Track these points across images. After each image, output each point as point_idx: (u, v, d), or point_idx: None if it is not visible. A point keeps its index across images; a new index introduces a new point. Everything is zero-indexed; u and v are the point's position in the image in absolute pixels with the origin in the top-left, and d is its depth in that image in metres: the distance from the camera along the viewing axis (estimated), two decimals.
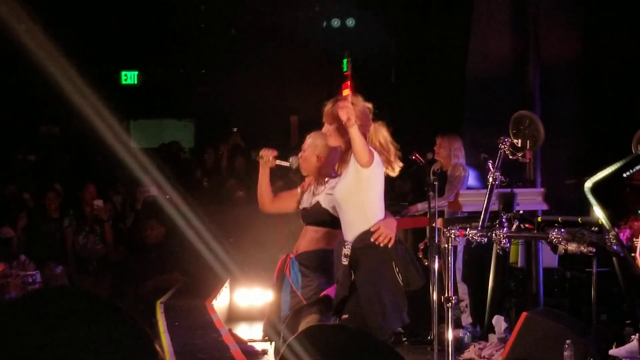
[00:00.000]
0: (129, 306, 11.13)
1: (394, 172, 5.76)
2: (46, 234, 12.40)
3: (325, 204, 5.96)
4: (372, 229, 5.51)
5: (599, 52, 12.13)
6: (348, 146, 5.60)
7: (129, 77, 19.42)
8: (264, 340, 6.17)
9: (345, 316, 5.54)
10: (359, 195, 5.53)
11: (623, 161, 4.10)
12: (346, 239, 5.62)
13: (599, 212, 4.19)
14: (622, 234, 5.92)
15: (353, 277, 5.53)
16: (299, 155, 6.19)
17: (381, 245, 5.49)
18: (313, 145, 6.14)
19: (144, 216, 12.51)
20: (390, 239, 5.49)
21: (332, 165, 6.00)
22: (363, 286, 5.48)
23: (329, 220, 5.92)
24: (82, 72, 13.10)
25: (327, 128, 5.75)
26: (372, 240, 5.49)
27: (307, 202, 6.11)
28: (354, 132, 5.38)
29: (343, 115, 5.38)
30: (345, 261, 5.53)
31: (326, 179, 6.08)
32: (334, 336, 3.10)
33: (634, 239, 5.74)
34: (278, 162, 6.24)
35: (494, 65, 11.90)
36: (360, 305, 5.48)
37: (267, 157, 6.19)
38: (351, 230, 5.60)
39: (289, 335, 5.74)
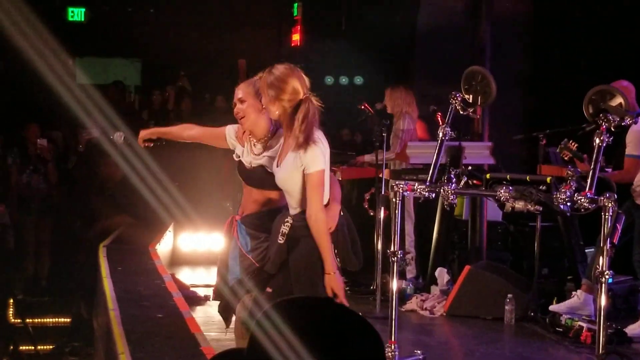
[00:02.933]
0: (73, 249, 11.08)
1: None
2: None
3: (271, 168, 5.59)
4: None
5: (550, 8, 12.15)
6: (286, 121, 5.28)
7: (76, 14, 19.14)
8: (215, 298, 5.98)
9: (269, 290, 5.41)
10: (301, 180, 5.37)
11: None
12: (290, 211, 5.44)
13: None
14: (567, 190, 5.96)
15: (286, 256, 5.38)
16: (235, 110, 5.65)
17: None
18: (251, 94, 5.60)
19: (86, 158, 12.38)
20: (332, 227, 5.36)
21: (270, 120, 5.71)
22: (296, 267, 5.30)
23: (276, 185, 5.67)
24: (29, 7, 12.87)
25: (266, 101, 5.32)
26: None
27: (246, 160, 5.71)
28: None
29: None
30: (281, 240, 5.32)
31: (266, 137, 5.66)
32: (309, 310, 3.03)
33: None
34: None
35: (446, 17, 11.88)
36: (289, 284, 5.30)
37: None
38: (294, 206, 5.35)
39: (249, 301, 5.62)
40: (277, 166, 5.38)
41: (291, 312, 2.96)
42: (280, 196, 5.58)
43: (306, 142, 5.18)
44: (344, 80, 16.22)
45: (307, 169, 5.20)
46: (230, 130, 5.82)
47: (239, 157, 5.73)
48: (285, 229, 5.32)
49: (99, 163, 12.39)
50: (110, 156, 11.27)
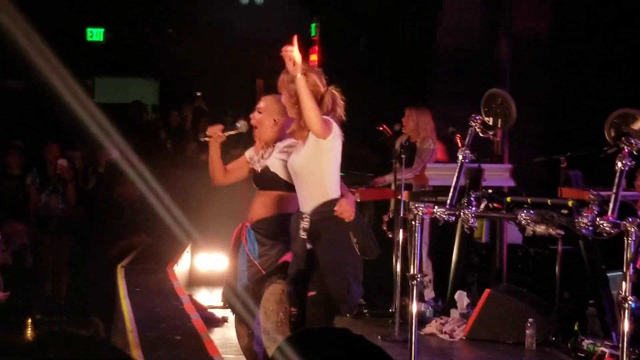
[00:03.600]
0: (92, 268, 11.07)
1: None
2: (7, 191, 12.25)
3: (274, 168, 5.91)
4: (335, 209, 5.44)
5: (571, 27, 12.09)
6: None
7: (95, 34, 19.25)
8: (224, 307, 6.15)
9: (312, 293, 5.46)
10: (319, 166, 5.45)
11: None
12: (302, 210, 5.53)
13: None
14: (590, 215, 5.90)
15: (310, 248, 5.46)
16: (252, 117, 6.05)
17: (344, 218, 5.45)
18: (270, 108, 5.98)
19: (105, 179, 12.39)
20: (351, 214, 5.45)
21: (285, 132, 5.87)
22: (324, 260, 5.42)
23: (281, 184, 5.87)
24: (49, 27, 12.92)
25: (285, 98, 5.60)
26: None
27: (257, 166, 6.03)
28: (300, 84, 5.30)
29: (288, 63, 5.30)
30: (303, 235, 5.46)
31: (272, 144, 5.99)
32: (326, 341, 2.98)
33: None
34: (227, 133, 6.10)
35: (465, 38, 11.83)
36: (325, 281, 5.41)
37: (216, 134, 6.02)
38: (308, 202, 5.51)
39: (252, 304, 5.75)
40: (296, 154, 5.57)
41: (307, 344, 2.92)
42: (285, 199, 5.73)
43: (327, 130, 5.40)
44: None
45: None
46: (248, 150, 6.15)
47: (252, 165, 6.09)
48: (305, 224, 5.47)
49: (118, 183, 12.42)
50: (128, 176, 11.30)
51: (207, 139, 6.05)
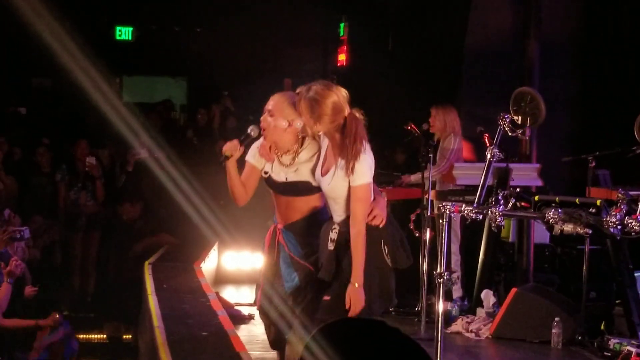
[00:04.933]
0: (117, 266, 11.14)
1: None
2: (36, 187, 12.33)
3: (306, 177, 5.58)
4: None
5: (599, 28, 12.05)
6: (333, 138, 5.32)
7: (124, 33, 19.30)
8: (250, 305, 5.98)
9: (327, 297, 5.34)
10: (347, 190, 5.30)
11: None
12: (334, 220, 5.44)
13: None
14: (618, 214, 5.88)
15: (336, 259, 5.36)
16: (262, 120, 5.62)
17: (375, 225, 5.35)
18: (281, 109, 5.55)
19: (134, 178, 12.45)
20: (383, 219, 5.35)
21: (296, 134, 5.56)
22: (348, 274, 5.31)
23: (314, 189, 5.64)
24: (77, 26, 12.98)
25: (307, 119, 5.33)
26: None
27: (278, 174, 5.64)
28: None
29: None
30: (331, 246, 5.33)
31: (293, 149, 5.61)
32: (360, 332, 3.00)
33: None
34: (244, 144, 5.61)
35: (494, 38, 11.82)
36: (345, 290, 5.25)
37: (236, 150, 5.53)
38: (339, 214, 5.38)
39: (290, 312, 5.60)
40: (322, 175, 5.40)
41: (341, 335, 2.93)
42: (318, 197, 5.58)
43: (355, 156, 5.21)
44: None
45: (353, 182, 5.24)
46: (249, 156, 5.73)
47: (268, 172, 5.67)
48: (333, 235, 5.34)
49: (145, 182, 12.47)
50: (129, 195, 11.34)
51: (226, 158, 5.54)
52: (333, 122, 5.27)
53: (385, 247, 5.33)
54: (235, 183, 5.62)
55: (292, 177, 5.60)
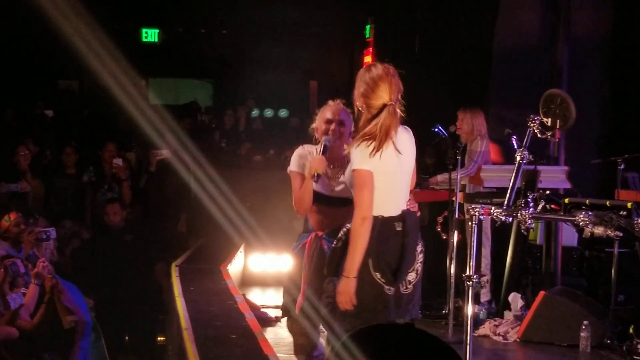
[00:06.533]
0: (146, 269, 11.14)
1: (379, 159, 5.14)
2: (62, 189, 12.34)
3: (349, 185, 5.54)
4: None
5: (629, 30, 11.99)
6: (362, 121, 5.24)
7: (150, 35, 19.36)
8: (277, 307, 6.00)
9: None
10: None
11: None
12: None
13: None
14: None
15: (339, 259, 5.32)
16: (334, 130, 5.77)
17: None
18: (349, 123, 5.77)
19: (157, 178, 12.46)
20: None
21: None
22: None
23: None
24: (104, 28, 13.03)
25: (356, 93, 5.27)
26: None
27: (328, 188, 5.80)
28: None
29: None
30: (337, 243, 5.28)
31: (341, 162, 5.77)
32: (391, 337, 2.97)
33: None
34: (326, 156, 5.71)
35: (523, 40, 11.77)
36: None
37: (323, 164, 5.62)
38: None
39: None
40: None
41: (370, 341, 2.90)
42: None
43: (360, 138, 5.16)
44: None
45: (349, 168, 5.22)
46: (295, 166, 5.88)
47: (325, 192, 5.79)
48: (341, 233, 5.30)
49: (168, 182, 12.46)
50: (110, 202, 11.33)
51: (320, 177, 5.67)
52: (368, 100, 5.17)
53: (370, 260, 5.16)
54: (308, 195, 5.75)
55: (339, 190, 5.70)
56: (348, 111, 5.84)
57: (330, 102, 5.97)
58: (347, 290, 5.10)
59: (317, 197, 5.78)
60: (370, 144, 5.09)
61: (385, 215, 5.17)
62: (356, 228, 5.10)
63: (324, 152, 5.67)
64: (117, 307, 10.37)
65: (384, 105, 5.13)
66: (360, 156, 5.11)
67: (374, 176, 5.11)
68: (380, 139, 5.09)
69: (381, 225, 5.14)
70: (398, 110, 5.18)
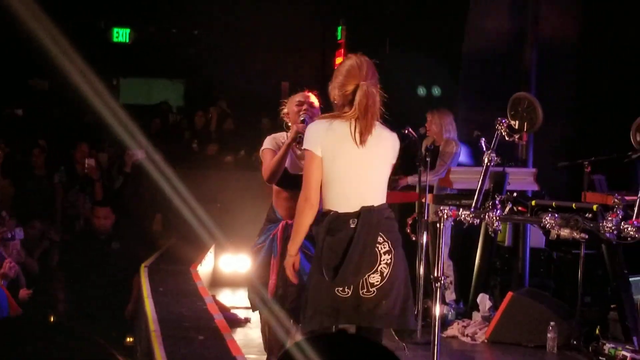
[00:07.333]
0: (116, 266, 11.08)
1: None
2: (32, 190, 12.28)
3: None
4: None
5: (597, 34, 12.07)
6: (338, 105, 5.20)
7: (121, 35, 19.32)
8: (247, 308, 6.05)
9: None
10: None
11: None
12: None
13: None
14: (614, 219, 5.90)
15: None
16: (306, 110, 5.97)
17: None
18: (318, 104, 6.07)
19: (132, 179, 12.42)
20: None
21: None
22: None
23: None
24: (74, 27, 12.98)
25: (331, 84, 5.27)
26: None
27: (297, 167, 5.86)
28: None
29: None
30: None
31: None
32: (339, 345, 2.96)
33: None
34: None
35: (492, 42, 11.83)
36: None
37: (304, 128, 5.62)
38: None
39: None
40: None
41: (321, 347, 2.88)
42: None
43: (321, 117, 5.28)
44: None
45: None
46: (269, 144, 6.06)
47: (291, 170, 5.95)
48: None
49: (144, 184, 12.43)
50: (98, 207, 11.28)
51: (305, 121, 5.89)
52: (343, 87, 5.09)
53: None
54: (286, 158, 5.89)
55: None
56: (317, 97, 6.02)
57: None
58: (288, 266, 5.27)
59: (286, 180, 5.82)
60: (317, 122, 5.19)
61: (340, 210, 5.06)
62: (298, 206, 5.13)
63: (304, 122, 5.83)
64: (87, 307, 10.32)
65: (357, 86, 5.03)
66: (306, 137, 5.13)
67: (327, 165, 5.06)
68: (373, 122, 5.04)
69: (333, 220, 5.05)
70: (374, 91, 5.04)
